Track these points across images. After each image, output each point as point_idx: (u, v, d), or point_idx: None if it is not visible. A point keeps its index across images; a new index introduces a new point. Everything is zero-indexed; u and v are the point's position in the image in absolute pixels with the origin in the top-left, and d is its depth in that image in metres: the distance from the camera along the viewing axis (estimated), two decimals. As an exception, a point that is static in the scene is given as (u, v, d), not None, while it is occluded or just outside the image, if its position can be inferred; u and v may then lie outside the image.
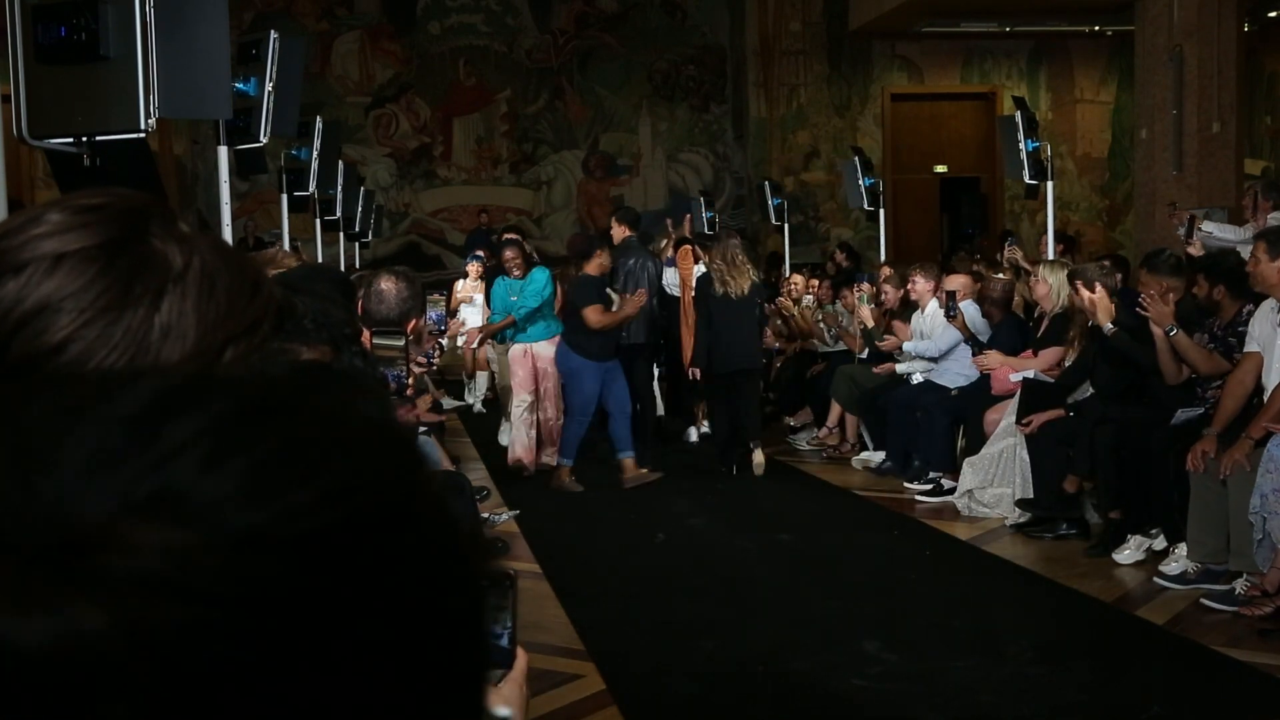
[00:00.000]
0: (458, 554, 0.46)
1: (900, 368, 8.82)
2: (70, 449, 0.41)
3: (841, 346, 10.05)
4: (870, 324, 9.33)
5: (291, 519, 0.41)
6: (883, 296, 9.64)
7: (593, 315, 8.10)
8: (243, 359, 0.85)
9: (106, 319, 0.81)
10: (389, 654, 0.42)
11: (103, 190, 0.88)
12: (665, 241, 10.41)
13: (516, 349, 8.76)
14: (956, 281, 8.54)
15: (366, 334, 3.97)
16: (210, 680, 0.38)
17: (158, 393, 0.44)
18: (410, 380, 3.85)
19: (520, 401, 8.71)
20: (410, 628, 0.43)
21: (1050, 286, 7.51)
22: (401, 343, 3.59)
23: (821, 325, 10.40)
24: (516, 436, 8.79)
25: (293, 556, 0.40)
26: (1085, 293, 6.59)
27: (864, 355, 9.64)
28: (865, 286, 9.71)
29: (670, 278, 9.63)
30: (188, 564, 0.39)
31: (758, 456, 8.62)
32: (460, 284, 12.16)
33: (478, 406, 11.94)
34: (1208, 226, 8.53)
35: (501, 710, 0.81)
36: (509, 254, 8.96)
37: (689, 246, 9.78)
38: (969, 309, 8.30)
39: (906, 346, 8.73)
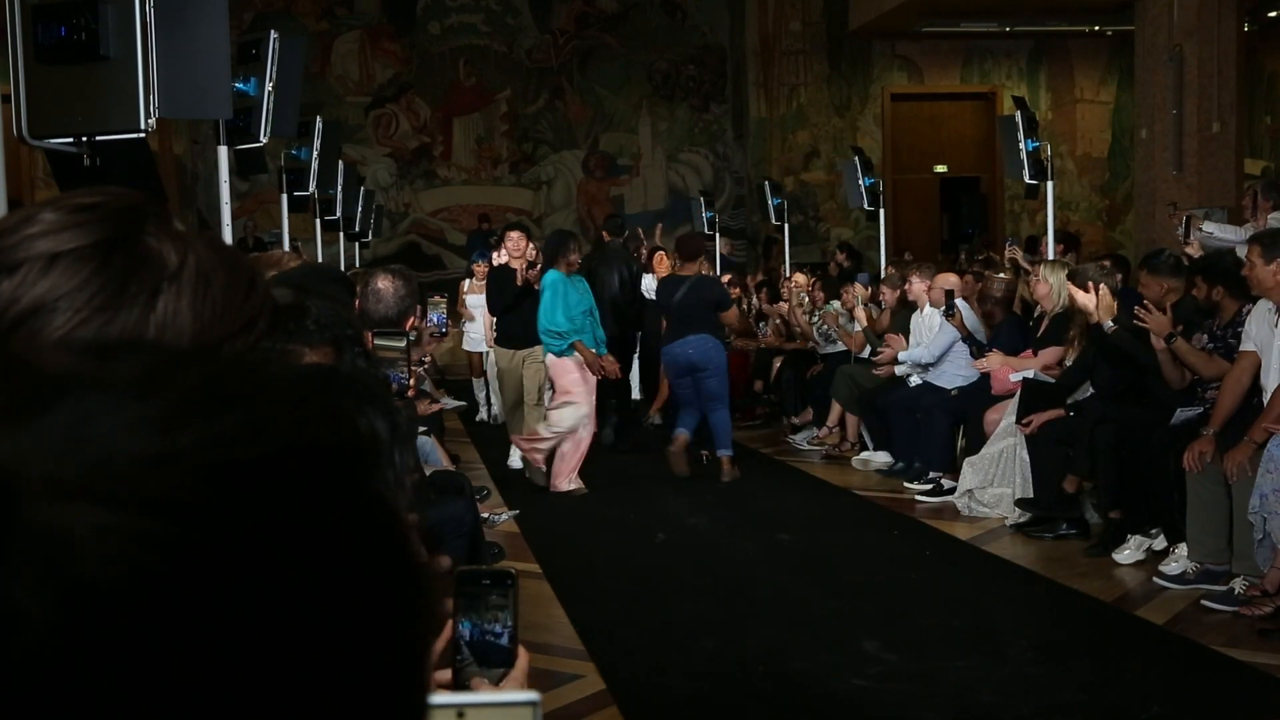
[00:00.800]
0: (386, 525, 0.46)
1: (900, 369, 8.83)
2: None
3: (840, 347, 10.06)
4: (865, 324, 9.35)
5: (208, 445, 0.41)
6: (881, 297, 9.64)
7: (734, 314, 8.50)
8: None
9: (102, 318, 0.81)
10: (303, 598, 0.42)
11: (97, 189, 0.88)
12: (639, 251, 10.76)
13: (572, 362, 8.12)
14: (948, 281, 8.55)
15: (368, 335, 3.97)
16: (132, 581, 0.39)
17: (97, 342, 0.46)
18: (412, 381, 3.85)
19: (585, 417, 8.17)
20: (329, 577, 0.43)
21: (1050, 286, 7.51)
22: (403, 344, 3.59)
23: (818, 324, 10.41)
24: (571, 454, 8.16)
25: (209, 476, 0.41)
26: (1080, 295, 6.58)
27: (864, 355, 9.65)
28: (858, 289, 9.75)
29: (648, 283, 9.85)
30: (105, 476, 0.40)
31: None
32: (466, 284, 11.78)
33: (489, 414, 11.40)
34: (1208, 227, 8.52)
35: (528, 694, 0.81)
36: (577, 248, 8.44)
37: (663, 253, 10.10)
38: (963, 309, 8.31)
39: (901, 356, 8.74)
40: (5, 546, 0.38)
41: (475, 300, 11.29)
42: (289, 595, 0.41)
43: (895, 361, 8.81)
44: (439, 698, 0.81)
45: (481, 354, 11.39)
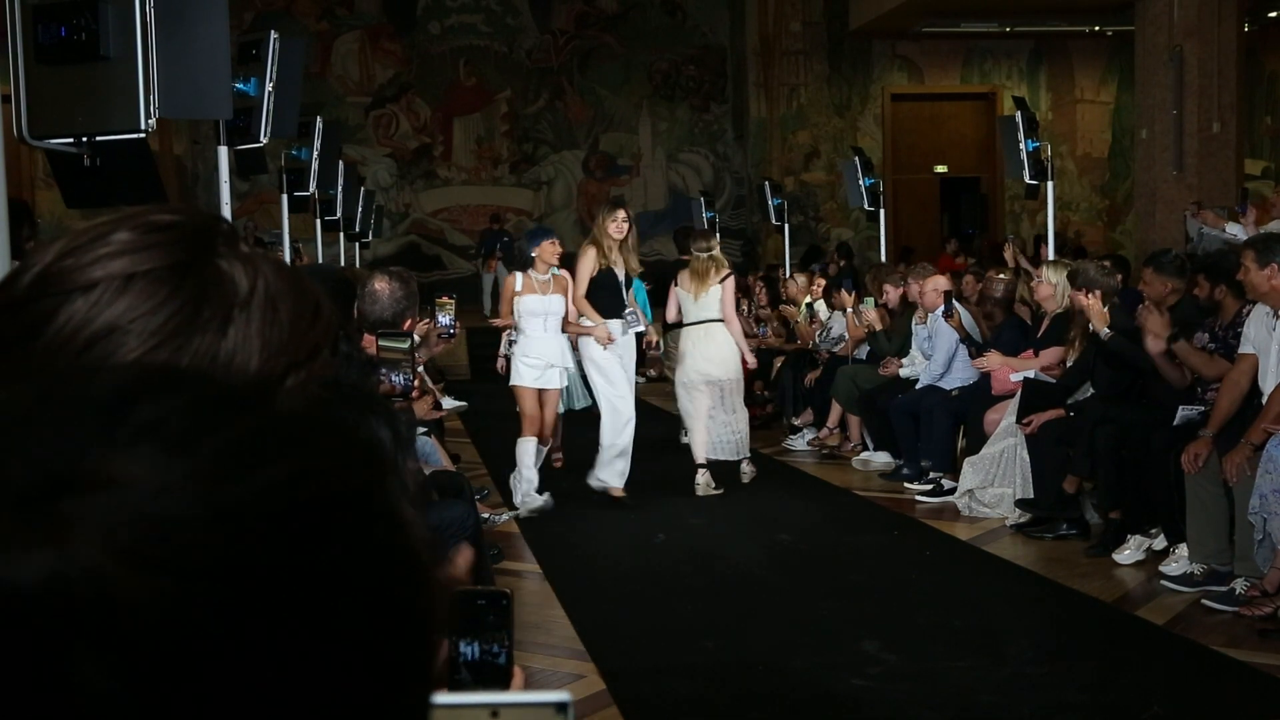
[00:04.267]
0: (412, 552, 0.49)
1: (904, 372, 8.83)
2: (41, 431, 0.44)
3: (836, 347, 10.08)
4: (879, 327, 9.30)
5: (258, 497, 0.44)
6: (885, 299, 9.63)
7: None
8: (303, 386, 0.84)
9: (175, 344, 0.80)
10: (344, 633, 0.44)
11: (172, 207, 0.87)
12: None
13: None
14: (940, 283, 8.55)
15: (370, 337, 3.98)
16: (183, 642, 0.41)
17: (129, 378, 0.47)
18: (416, 382, 3.85)
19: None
20: (364, 610, 0.45)
21: (1053, 287, 7.51)
22: (406, 345, 3.59)
23: (814, 326, 10.43)
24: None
25: (260, 531, 0.43)
26: (1081, 299, 6.58)
27: (862, 357, 9.64)
28: (844, 296, 9.75)
29: None
30: (161, 537, 0.42)
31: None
32: (519, 279, 7.49)
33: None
34: (1239, 228, 8.50)
35: (561, 695, 0.82)
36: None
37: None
38: (959, 310, 8.31)
39: (906, 372, 8.76)
40: (76, 625, 0.40)
41: (541, 303, 7.42)
42: (329, 633, 0.44)
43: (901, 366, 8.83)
44: (473, 696, 0.83)
45: (540, 392, 7.45)
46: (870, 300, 9.56)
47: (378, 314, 4.36)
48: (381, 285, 4.41)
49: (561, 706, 0.80)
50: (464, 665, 1.30)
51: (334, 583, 0.44)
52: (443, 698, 0.82)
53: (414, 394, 4.11)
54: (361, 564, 0.46)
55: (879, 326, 9.25)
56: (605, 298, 7.62)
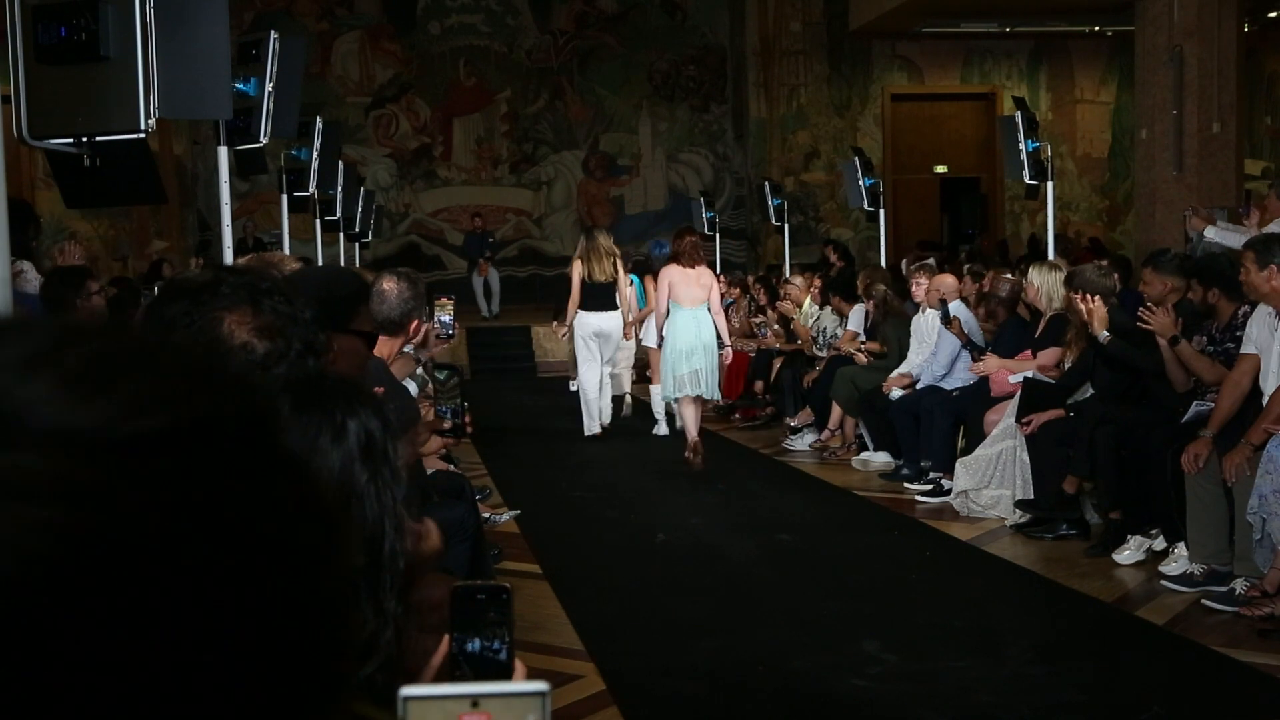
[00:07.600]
0: (295, 487, 0.46)
1: (903, 374, 8.85)
2: None
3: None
4: (862, 360, 9.37)
5: (108, 423, 0.42)
6: (867, 308, 9.66)
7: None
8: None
9: None
10: (213, 573, 0.42)
11: None
12: None
13: None
14: (946, 283, 8.54)
15: (382, 337, 3.99)
16: (26, 571, 0.39)
17: None
18: (468, 418, 3.93)
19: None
20: (234, 549, 0.43)
21: (1039, 288, 7.51)
22: (456, 380, 3.67)
23: (810, 326, 10.45)
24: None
25: (107, 457, 0.41)
26: (1078, 304, 6.58)
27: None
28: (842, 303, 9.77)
29: None
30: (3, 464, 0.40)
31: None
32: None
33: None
34: (1215, 234, 8.49)
35: (539, 685, 0.82)
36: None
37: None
38: (962, 312, 8.30)
39: (905, 368, 8.78)
40: None
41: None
42: (193, 568, 0.41)
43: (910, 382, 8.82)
44: (453, 687, 0.82)
45: None
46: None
47: (385, 314, 4.36)
48: (390, 285, 4.41)
49: (540, 695, 0.80)
50: (465, 661, 1.29)
51: (186, 510, 0.42)
52: (425, 689, 0.82)
53: (446, 425, 4.15)
54: (218, 488, 0.43)
55: (862, 360, 9.31)
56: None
